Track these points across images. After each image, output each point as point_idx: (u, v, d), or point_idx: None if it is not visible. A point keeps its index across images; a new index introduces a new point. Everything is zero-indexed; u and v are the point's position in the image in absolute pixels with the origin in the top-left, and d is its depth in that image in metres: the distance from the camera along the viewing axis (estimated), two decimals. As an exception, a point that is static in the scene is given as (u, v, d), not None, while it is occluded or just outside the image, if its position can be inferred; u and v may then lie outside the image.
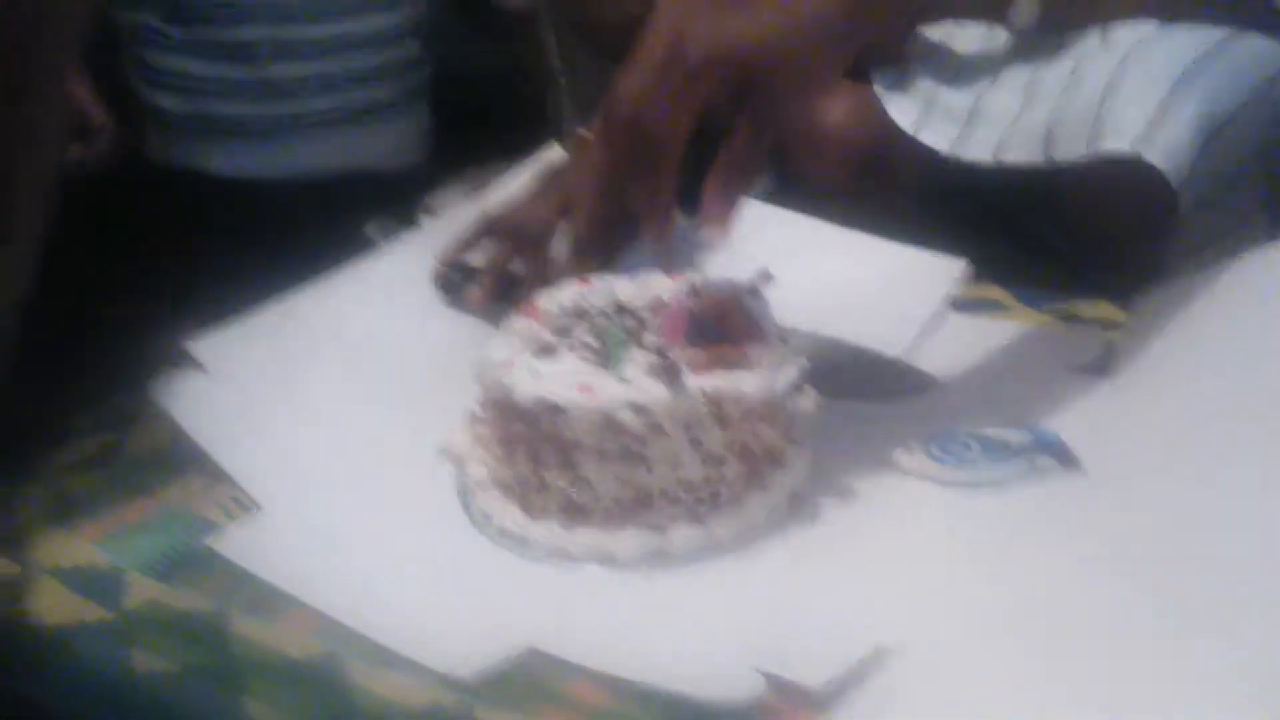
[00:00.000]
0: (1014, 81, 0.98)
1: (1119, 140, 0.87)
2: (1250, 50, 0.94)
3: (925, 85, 1.01)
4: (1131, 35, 0.95)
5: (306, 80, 1.14)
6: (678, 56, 0.64)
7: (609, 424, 0.67)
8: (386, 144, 1.22)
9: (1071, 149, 0.91)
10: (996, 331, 0.87)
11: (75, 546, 0.72)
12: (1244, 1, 0.95)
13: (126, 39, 1.14)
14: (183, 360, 0.83)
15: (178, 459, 0.79)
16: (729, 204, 0.69)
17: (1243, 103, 0.91)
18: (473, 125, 1.37)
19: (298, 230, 0.94)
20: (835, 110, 1.04)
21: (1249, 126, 0.92)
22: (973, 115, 0.99)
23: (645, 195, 0.68)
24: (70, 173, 1.11)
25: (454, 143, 1.37)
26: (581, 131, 0.75)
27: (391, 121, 1.22)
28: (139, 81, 1.15)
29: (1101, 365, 0.80)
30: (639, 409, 0.66)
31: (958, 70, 1.03)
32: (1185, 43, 0.93)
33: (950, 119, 0.99)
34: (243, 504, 0.75)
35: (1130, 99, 0.89)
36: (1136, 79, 0.90)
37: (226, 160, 1.15)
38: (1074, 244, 0.98)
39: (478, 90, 1.47)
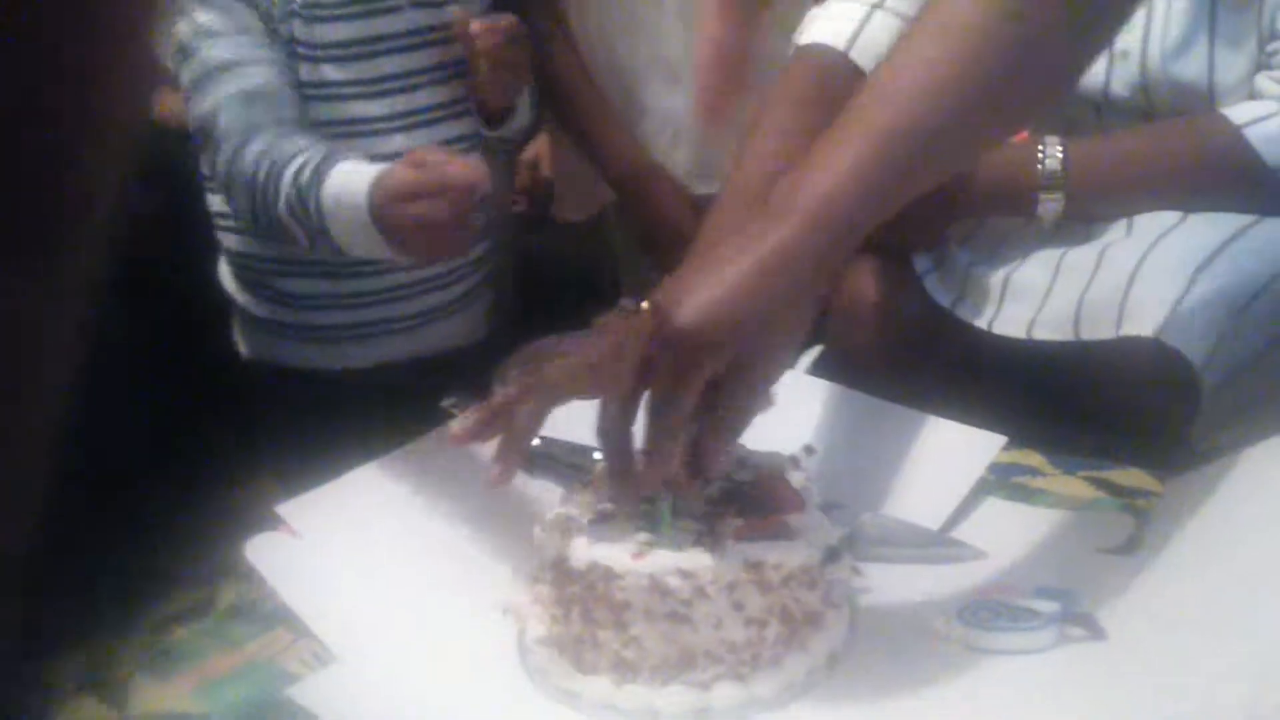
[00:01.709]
0: (1044, 260, 1.05)
1: (1142, 326, 0.93)
2: (1272, 233, 1.00)
3: (962, 262, 1.08)
4: (1154, 223, 1.01)
5: (389, 290, 1.24)
6: (674, 339, 0.69)
7: (657, 587, 0.72)
8: (460, 330, 1.31)
9: (1098, 330, 0.96)
10: (1031, 509, 0.90)
11: (169, 695, 0.78)
12: (1264, 186, 1.01)
13: (232, 256, 1.26)
14: (273, 522, 0.90)
15: (265, 614, 0.85)
16: (715, 461, 0.75)
17: (1264, 285, 0.97)
18: (544, 299, 1.48)
19: (380, 410, 1.02)
20: (878, 287, 1.11)
21: (1273, 304, 0.97)
22: (1005, 291, 1.05)
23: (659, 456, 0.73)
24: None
25: (529, 315, 1.47)
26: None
27: (464, 312, 1.31)
28: (243, 294, 1.27)
29: (1130, 546, 0.84)
30: (685, 574, 0.72)
31: (993, 248, 1.10)
32: (1206, 230, 0.99)
33: (985, 296, 1.06)
34: (321, 658, 0.81)
35: (1153, 286, 0.94)
36: (1159, 265, 0.96)
37: (317, 356, 1.25)
38: (1105, 417, 1.02)
39: (548, 268, 1.59)
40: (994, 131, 0.82)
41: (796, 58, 1.04)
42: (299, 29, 1.17)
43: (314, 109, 1.18)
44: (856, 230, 0.73)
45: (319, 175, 1.09)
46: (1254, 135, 1.00)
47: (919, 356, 1.10)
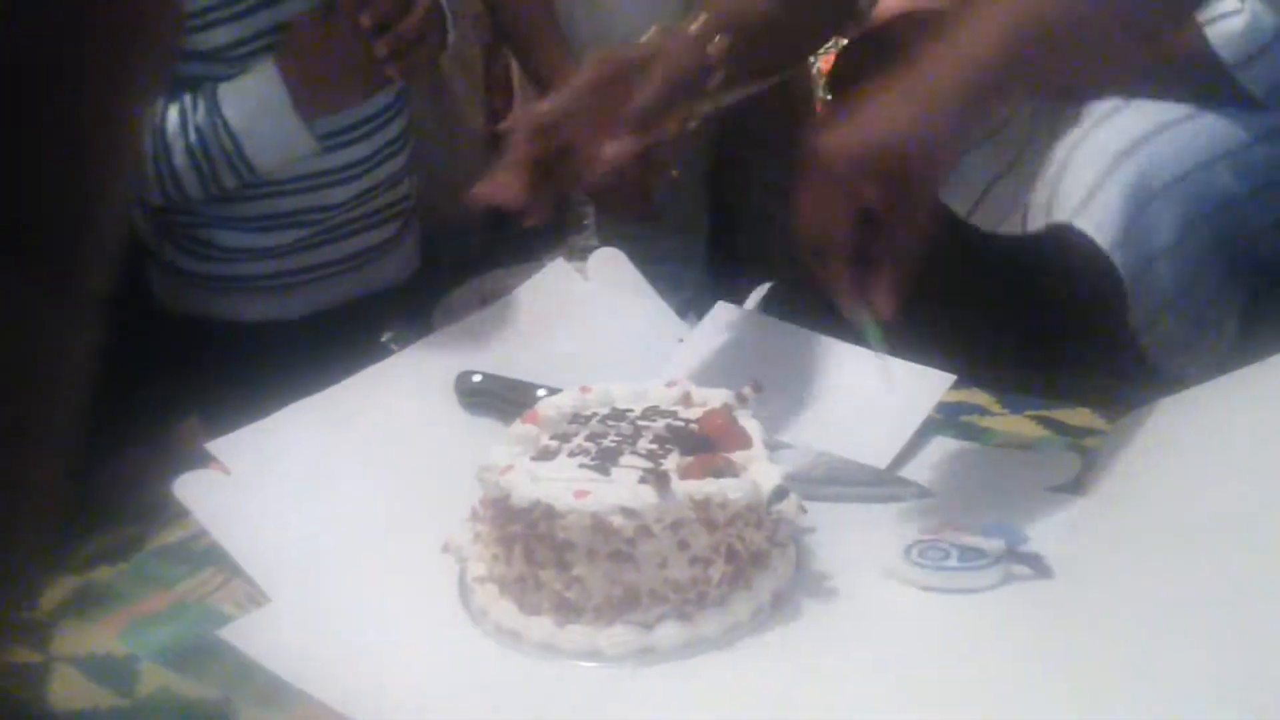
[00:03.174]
0: (1001, 154, 1.06)
1: (1062, 212, 0.96)
2: (1203, 125, 1.01)
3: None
4: (1096, 111, 1.01)
5: (322, 234, 1.19)
6: (829, 171, 0.73)
7: (600, 526, 0.70)
8: (394, 268, 1.27)
9: (1036, 221, 0.98)
10: (979, 448, 0.90)
11: (95, 636, 0.75)
12: (1216, 84, 1.02)
13: (155, 209, 1.19)
14: (204, 459, 0.87)
15: (195, 554, 0.83)
16: (896, 292, 0.78)
17: (1184, 173, 0.98)
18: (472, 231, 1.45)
19: (317, 354, 0.98)
20: None
21: (1191, 193, 0.99)
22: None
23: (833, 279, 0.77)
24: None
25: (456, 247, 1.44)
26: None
27: (397, 249, 1.26)
28: (166, 245, 1.18)
29: (1077, 485, 0.84)
30: (629, 512, 0.70)
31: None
32: (1138, 118, 1.00)
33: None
34: (255, 599, 0.78)
35: (1078, 174, 0.97)
36: (1087, 153, 0.98)
37: (248, 309, 1.19)
38: (1057, 326, 1.03)
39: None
40: (1141, 30, 0.83)
41: None
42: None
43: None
44: (1000, 97, 0.76)
45: (214, 102, 1.07)
46: (1212, 32, 1.00)
47: None
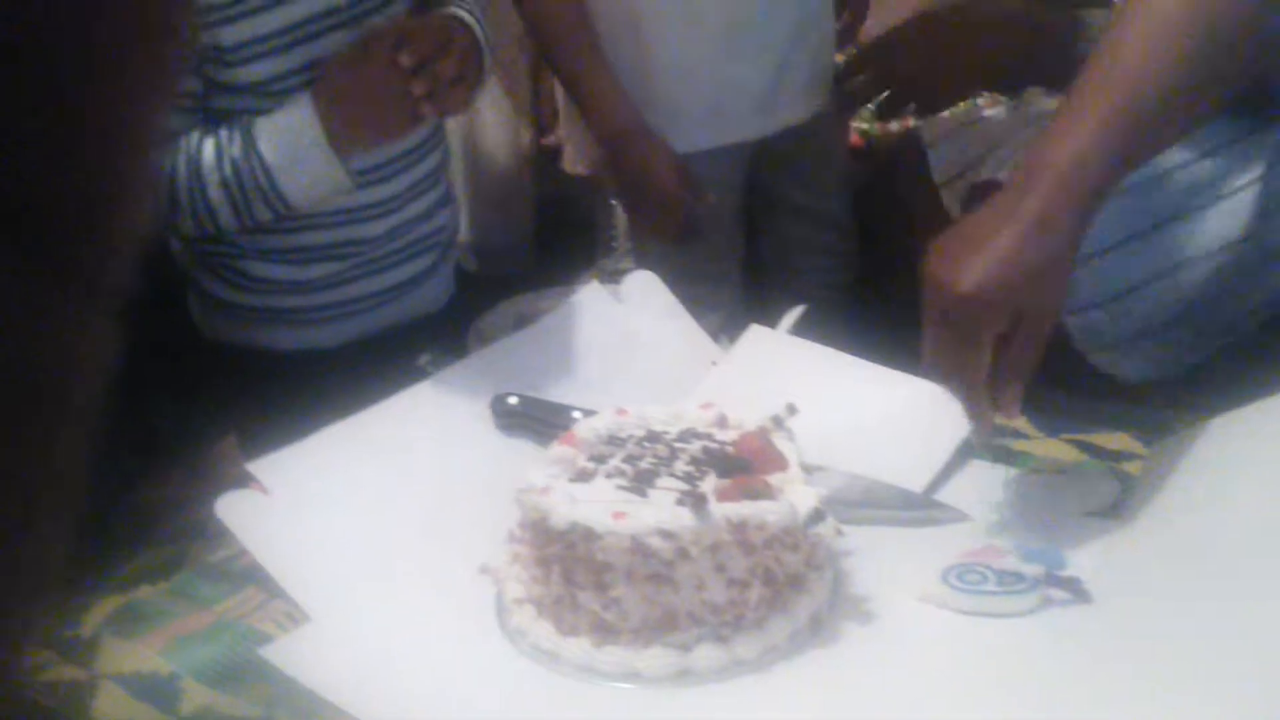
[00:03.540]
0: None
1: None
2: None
3: None
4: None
5: (357, 268, 1.19)
6: (957, 309, 0.76)
7: (639, 548, 0.71)
8: (430, 296, 1.27)
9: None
10: (1015, 472, 0.90)
11: (138, 654, 0.76)
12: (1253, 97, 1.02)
13: (195, 240, 1.19)
14: (244, 479, 0.88)
15: (236, 573, 0.83)
16: (1017, 399, 0.80)
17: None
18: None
19: (355, 382, 0.98)
20: None
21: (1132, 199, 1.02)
22: None
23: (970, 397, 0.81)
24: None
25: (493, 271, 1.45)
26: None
27: (432, 279, 1.27)
28: (203, 275, 1.20)
29: (1115, 509, 0.83)
30: (667, 534, 0.70)
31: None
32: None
33: None
34: (295, 618, 0.79)
35: None
36: None
37: (285, 339, 1.20)
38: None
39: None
40: (1218, 88, 0.85)
41: None
42: (214, 71, 1.08)
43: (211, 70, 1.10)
44: (1103, 192, 0.78)
45: (249, 138, 1.07)
46: None
47: None
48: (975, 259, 0.76)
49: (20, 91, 0.27)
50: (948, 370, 0.79)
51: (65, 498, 0.30)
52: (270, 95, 1.10)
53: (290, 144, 1.07)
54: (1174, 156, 1.05)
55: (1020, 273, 0.75)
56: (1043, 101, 1.29)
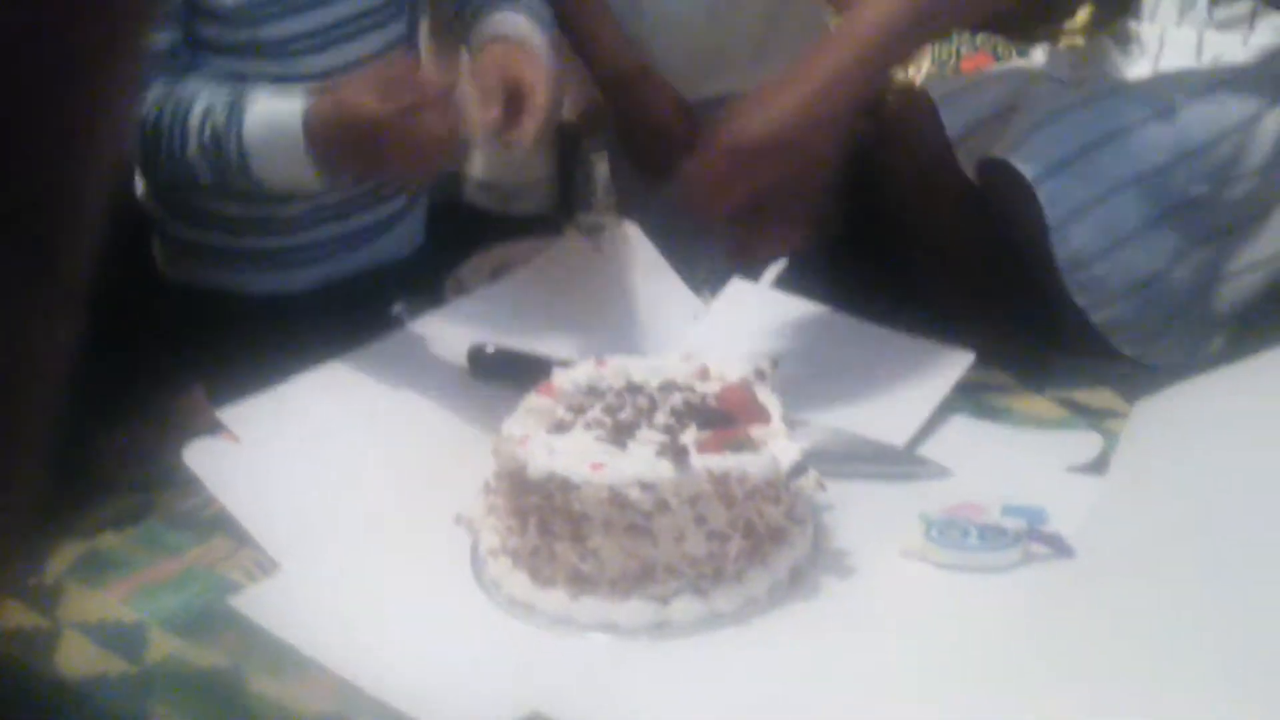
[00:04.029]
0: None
1: (1002, 150, 1.08)
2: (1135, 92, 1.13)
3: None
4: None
5: (322, 209, 1.16)
6: (736, 146, 0.83)
7: (617, 499, 0.69)
8: (400, 241, 1.25)
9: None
10: (999, 427, 0.89)
11: (103, 602, 0.75)
12: None
13: (156, 179, 1.16)
14: (214, 428, 0.86)
15: (204, 522, 0.82)
16: (780, 254, 0.92)
17: (1112, 131, 1.09)
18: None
19: (324, 328, 0.96)
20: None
21: (1118, 152, 1.09)
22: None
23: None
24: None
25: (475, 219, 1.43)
26: None
27: (403, 223, 1.24)
28: (164, 214, 1.16)
29: (1099, 465, 0.83)
30: (646, 485, 0.69)
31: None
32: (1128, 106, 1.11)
33: None
34: (264, 567, 0.78)
35: (1026, 117, 1.12)
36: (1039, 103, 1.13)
37: (251, 282, 1.17)
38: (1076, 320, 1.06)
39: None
40: None
41: None
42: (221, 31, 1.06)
43: (213, 30, 1.09)
44: (894, 61, 0.92)
45: (237, 113, 1.03)
46: None
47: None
48: (767, 110, 0.84)
49: None
50: (712, 206, 0.85)
51: (34, 469, 0.31)
52: (277, 59, 1.07)
53: (271, 136, 1.01)
54: (1194, 137, 1.10)
55: (806, 125, 0.83)
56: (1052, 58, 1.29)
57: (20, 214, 0.29)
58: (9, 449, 0.30)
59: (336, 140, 0.99)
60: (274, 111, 1.02)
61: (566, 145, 1.56)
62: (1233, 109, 1.12)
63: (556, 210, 1.56)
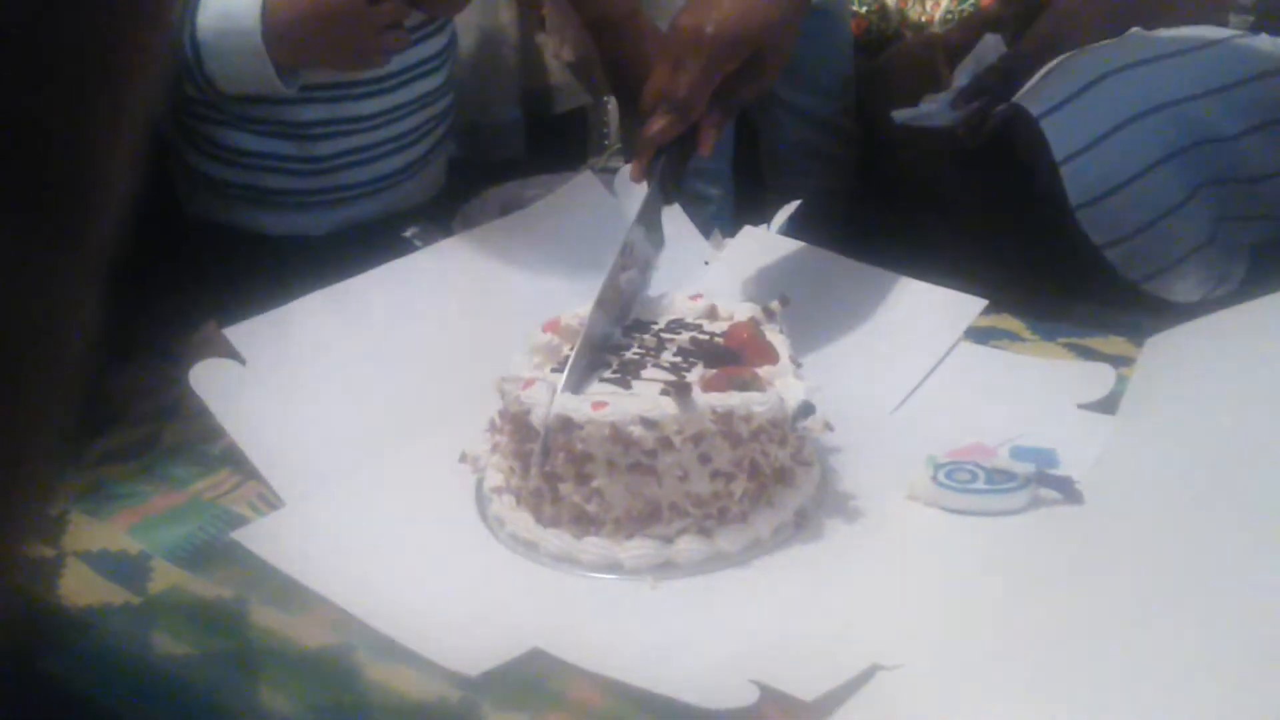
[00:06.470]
0: None
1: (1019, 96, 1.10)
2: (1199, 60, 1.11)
3: None
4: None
5: (350, 153, 1.14)
6: (699, 42, 0.84)
7: (619, 437, 0.69)
8: (422, 186, 1.23)
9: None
10: (1010, 363, 0.88)
11: (106, 533, 0.75)
12: None
13: (177, 107, 1.13)
14: (221, 348, 0.85)
15: (210, 456, 0.81)
16: (720, 132, 0.89)
17: (1113, 70, 1.09)
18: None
19: (341, 266, 0.94)
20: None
21: (1124, 89, 1.08)
22: None
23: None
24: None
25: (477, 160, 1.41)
26: None
27: (426, 169, 1.23)
28: (185, 146, 1.15)
29: (1110, 403, 0.82)
30: (649, 423, 0.68)
31: None
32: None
33: None
34: (269, 500, 0.77)
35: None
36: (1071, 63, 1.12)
37: (272, 222, 1.16)
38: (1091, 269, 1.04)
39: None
40: None
41: None
42: None
43: None
44: None
45: (190, 12, 0.99)
46: None
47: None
48: (726, 4, 0.85)
49: (15, 66, 0.27)
50: (672, 97, 0.85)
51: (56, 437, 0.31)
52: None
53: (225, 29, 0.98)
54: (1230, 72, 1.09)
55: (763, 18, 0.85)
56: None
57: (50, 183, 0.29)
58: (33, 420, 0.30)
59: (295, 27, 0.97)
60: (228, 4, 0.99)
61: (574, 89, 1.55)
62: None
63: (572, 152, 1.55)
